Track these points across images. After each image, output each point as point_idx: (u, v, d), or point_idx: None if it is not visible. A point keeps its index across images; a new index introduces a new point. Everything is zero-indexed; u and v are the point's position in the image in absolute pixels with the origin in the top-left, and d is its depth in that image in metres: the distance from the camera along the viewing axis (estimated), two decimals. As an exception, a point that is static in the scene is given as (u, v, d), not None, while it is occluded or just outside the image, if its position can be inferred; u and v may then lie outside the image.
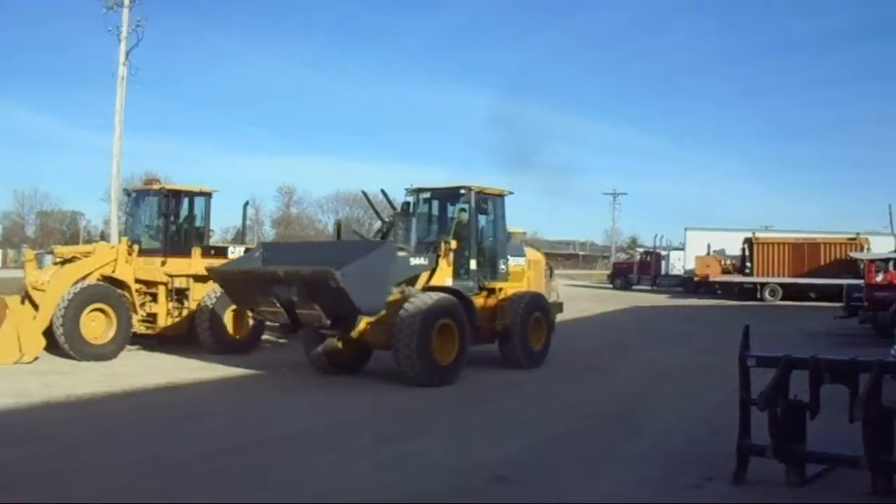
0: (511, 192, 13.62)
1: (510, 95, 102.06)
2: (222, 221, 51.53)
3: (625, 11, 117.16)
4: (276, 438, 7.79)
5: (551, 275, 33.33)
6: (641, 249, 56.80)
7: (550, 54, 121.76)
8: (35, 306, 12.59)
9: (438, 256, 11.90)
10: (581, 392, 11.11)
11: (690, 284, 41.07)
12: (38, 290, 12.74)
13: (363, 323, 11.59)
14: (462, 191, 12.60)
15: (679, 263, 46.03)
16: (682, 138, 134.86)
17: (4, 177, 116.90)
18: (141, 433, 7.90)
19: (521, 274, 13.94)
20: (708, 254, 40.26)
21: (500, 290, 13.04)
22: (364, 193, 28.89)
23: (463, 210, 12.64)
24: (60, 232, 77.72)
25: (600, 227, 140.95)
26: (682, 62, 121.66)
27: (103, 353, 12.80)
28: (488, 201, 13.02)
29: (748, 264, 36.94)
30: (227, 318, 14.02)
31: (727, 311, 29.64)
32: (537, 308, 13.21)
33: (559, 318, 14.51)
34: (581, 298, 33.38)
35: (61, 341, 12.53)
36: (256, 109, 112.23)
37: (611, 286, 51.51)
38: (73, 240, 64.78)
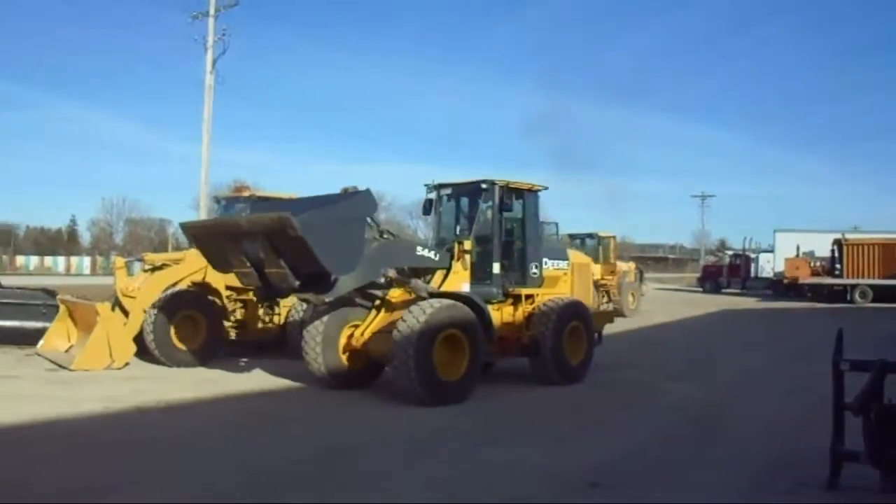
0: (545, 188, 12.14)
1: (598, 100, 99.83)
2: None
3: (711, 11, 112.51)
4: (367, 444, 7.75)
5: (642, 279, 32.84)
6: (730, 252, 55.56)
7: (638, 57, 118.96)
8: (125, 313, 12.61)
9: (452, 258, 10.59)
10: (674, 397, 10.91)
11: (780, 287, 40.87)
12: (128, 296, 12.75)
13: (367, 332, 10.50)
14: (484, 185, 11.22)
15: (768, 266, 45.78)
16: (770, 140, 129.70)
17: (94, 185, 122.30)
18: (231, 438, 7.89)
19: (561, 279, 12.43)
20: (797, 256, 39.63)
21: (532, 297, 11.60)
22: None
23: (489, 207, 11.29)
24: (149, 239, 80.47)
25: (689, 230, 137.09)
26: (770, 62, 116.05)
27: (193, 359, 12.72)
28: (517, 197, 11.59)
29: (838, 266, 36.15)
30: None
31: (817, 314, 28.95)
32: (574, 317, 11.66)
33: (643, 322, 13.94)
34: (671, 302, 34.91)
35: (152, 347, 12.49)
36: (343, 117, 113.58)
37: (700, 289, 50.48)
38: (161, 247, 66.84)
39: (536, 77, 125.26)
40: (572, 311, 11.63)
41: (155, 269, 13.83)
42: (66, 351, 12.98)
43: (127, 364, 12.13)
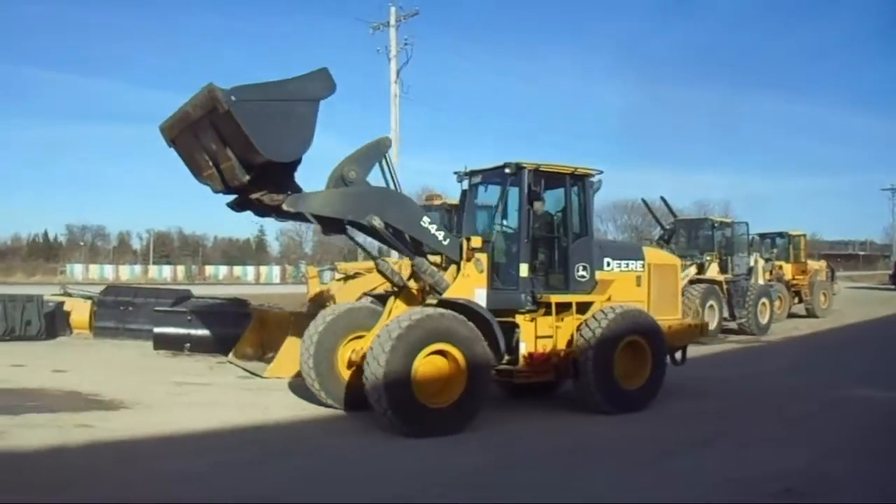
0: (600, 171, 9.87)
1: (779, 91, 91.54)
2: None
3: None
4: (558, 451, 7.61)
5: (833, 277, 29.24)
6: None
7: (815, 48, 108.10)
8: None
9: (461, 254, 8.76)
10: (869, 403, 10.36)
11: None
12: (322, 305, 12.55)
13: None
14: (507, 169, 9.23)
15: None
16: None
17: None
18: (412, 445, 7.59)
19: (630, 284, 10.09)
20: None
21: (584, 305, 9.43)
22: (643, 201, 27.22)
23: (516, 195, 9.30)
24: (338, 248, 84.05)
25: (879, 226, 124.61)
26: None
27: None
28: (555, 183, 9.49)
29: None
30: None
31: None
32: (632, 330, 9.30)
33: (835, 322, 13.39)
34: (863, 301, 33.54)
35: None
36: (528, 122, 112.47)
37: (893, 287, 45.49)
38: (350, 256, 69.55)
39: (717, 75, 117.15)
40: (628, 323, 9.28)
41: (348, 277, 13.95)
42: (258, 359, 12.91)
43: None
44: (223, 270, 78.26)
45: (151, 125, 8.39)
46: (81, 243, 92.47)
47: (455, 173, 10.25)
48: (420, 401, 7.76)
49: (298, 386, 10.32)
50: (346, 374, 9.10)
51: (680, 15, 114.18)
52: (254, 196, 8.09)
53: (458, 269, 8.79)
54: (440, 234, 8.80)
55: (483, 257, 8.82)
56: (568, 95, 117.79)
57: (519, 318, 9.13)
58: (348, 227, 8.84)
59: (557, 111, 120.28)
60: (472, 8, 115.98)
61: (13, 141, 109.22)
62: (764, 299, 20.90)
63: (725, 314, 19.79)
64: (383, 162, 8.76)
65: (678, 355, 10.51)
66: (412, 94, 31.14)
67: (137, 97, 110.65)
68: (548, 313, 9.24)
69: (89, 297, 17.62)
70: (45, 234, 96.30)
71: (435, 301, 8.63)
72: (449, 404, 7.94)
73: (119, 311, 16.56)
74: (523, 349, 9.10)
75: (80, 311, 16.98)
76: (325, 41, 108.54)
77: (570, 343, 9.23)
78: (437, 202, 15.34)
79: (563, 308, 9.27)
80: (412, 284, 9.26)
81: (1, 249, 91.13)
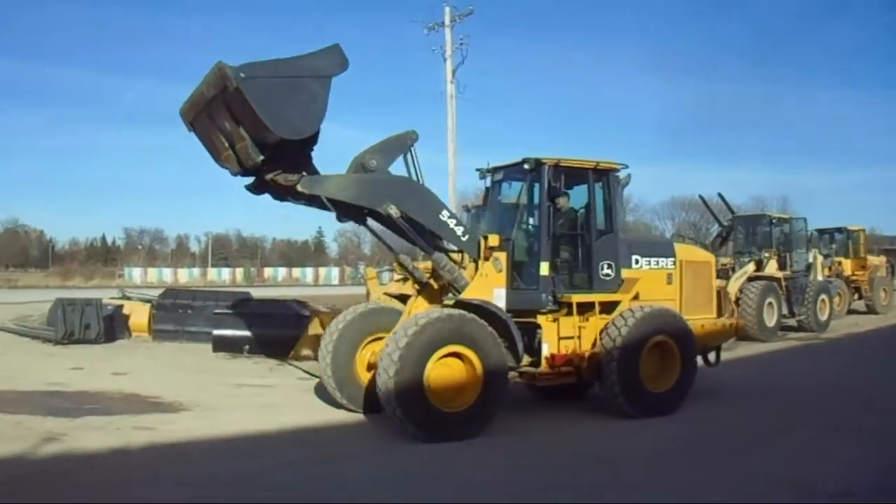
0: (625, 166, 9.54)
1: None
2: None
3: None
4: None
5: (893, 273, 27.94)
6: None
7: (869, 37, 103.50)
8: None
9: (479, 253, 8.55)
10: None
11: None
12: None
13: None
14: (526, 165, 8.98)
15: None
16: None
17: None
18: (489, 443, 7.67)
19: (660, 282, 9.72)
20: None
21: (609, 305, 9.12)
22: (701, 197, 26.83)
23: (536, 192, 9.07)
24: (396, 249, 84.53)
25: None
26: None
27: None
28: (577, 179, 9.21)
29: None
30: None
31: None
32: (658, 330, 8.94)
33: (889, 320, 13.26)
34: None
35: None
36: (587, 121, 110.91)
37: None
38: (410, 256, 69.72)
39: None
40: (654, 324, 8.92)
41: (406, 278, 13.76)
42: (317, 360, 13.12)
43: None
44: (282, 272, 79.42)
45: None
46: (139, 247, 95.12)
47: (477, 170, 10.08)
48: (434, 405, 7.58)
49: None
50: (365, 377, 8.99)
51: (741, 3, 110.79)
52: (269, 177, 7.91)
53: (477, 268, 8.59)
54: (459, 230, 8.55)
55: (502, 256, 8.59)
56: (624, 92, 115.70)
57: (541, 319, 8.88)
58: (368, 218, 8.67)
59: (615, 108, 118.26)
60: (529, 4, 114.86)
61: (73, 145, 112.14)
62: (823, 296, 20.32)
63: (785, 311, 19.26)
64: (408, 156, 8.53)
65: (712, 356, 10.07)
66: (469, 94, 30.52)
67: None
68: (571, 313, 8.96)
69: (148, 301, 17.90)
70: (103, 238, 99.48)
71: (451, 301, 8.46)
72: (465, 408, 7.75)
73: (178, 314, 16.67)
74: (545, 350, 8.85)
75: (139, 315, 17.19)
76: (379, 42, 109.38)
77: (594, 344, 8.94)
78: None
79: (587, 308, 8.97)
80: (434, 282, 9.09)
81: (59, 254, 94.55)
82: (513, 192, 9.70)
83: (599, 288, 9.12)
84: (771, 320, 18.14)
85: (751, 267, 19.05)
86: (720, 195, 23.83)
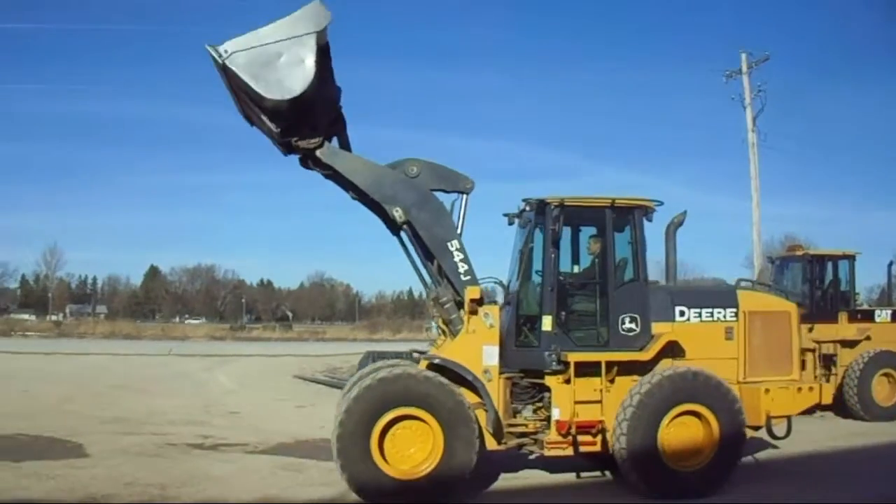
0: (659, 202, 8.24)
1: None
2: (865, 281, 45.17)
3: None
4: None
5: None
6: None
7: None
8: None
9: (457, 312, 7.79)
10: None
11: None
12: None
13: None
14: (528, 207, 8.08)
15: None
16: None
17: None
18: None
19: (715, 338, 8.21)
20: None
21: (638, 365, 7.83)
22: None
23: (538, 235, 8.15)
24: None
25: None
26: None
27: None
28: (588, 220, 8.16)
29: None
30: (876, 384, 13.64)
31: None
32: (686, 399, 7.53)
33: None
34: None
35: None
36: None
37: None
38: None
39: None
40: (680, 389, 7.53)
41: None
42: None
43: None
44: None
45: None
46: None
47: (505, 215, 9.22)
48: (388, 473, 7.04)
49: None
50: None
51: None
52: (293, 141, 7.71)
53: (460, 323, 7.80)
54: (462, 267, 7.72)
55: (493, 310, 7.73)
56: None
57: (549, 380, 7.84)
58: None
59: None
60: (825, 46, 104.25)
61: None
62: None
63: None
64: (459, 202, 8.00)
65: (781, 428, 8.27)
66: (770, 141, 29.66)
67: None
68: (588, 374, 7.83)
69: None
70: (410, 291, 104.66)
71: (425, 358, 7.74)
72: (421, 476, 7.09)
73: None
74: (555, 415, 7.81)
75: None
76: (678, 91, 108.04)
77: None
78: (798, 252, 15.07)
79: (590, 368, 7.75)
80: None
81: (366, 307, 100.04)
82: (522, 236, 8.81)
83: (619, 345, 7.87)
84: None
85: None
86: None
